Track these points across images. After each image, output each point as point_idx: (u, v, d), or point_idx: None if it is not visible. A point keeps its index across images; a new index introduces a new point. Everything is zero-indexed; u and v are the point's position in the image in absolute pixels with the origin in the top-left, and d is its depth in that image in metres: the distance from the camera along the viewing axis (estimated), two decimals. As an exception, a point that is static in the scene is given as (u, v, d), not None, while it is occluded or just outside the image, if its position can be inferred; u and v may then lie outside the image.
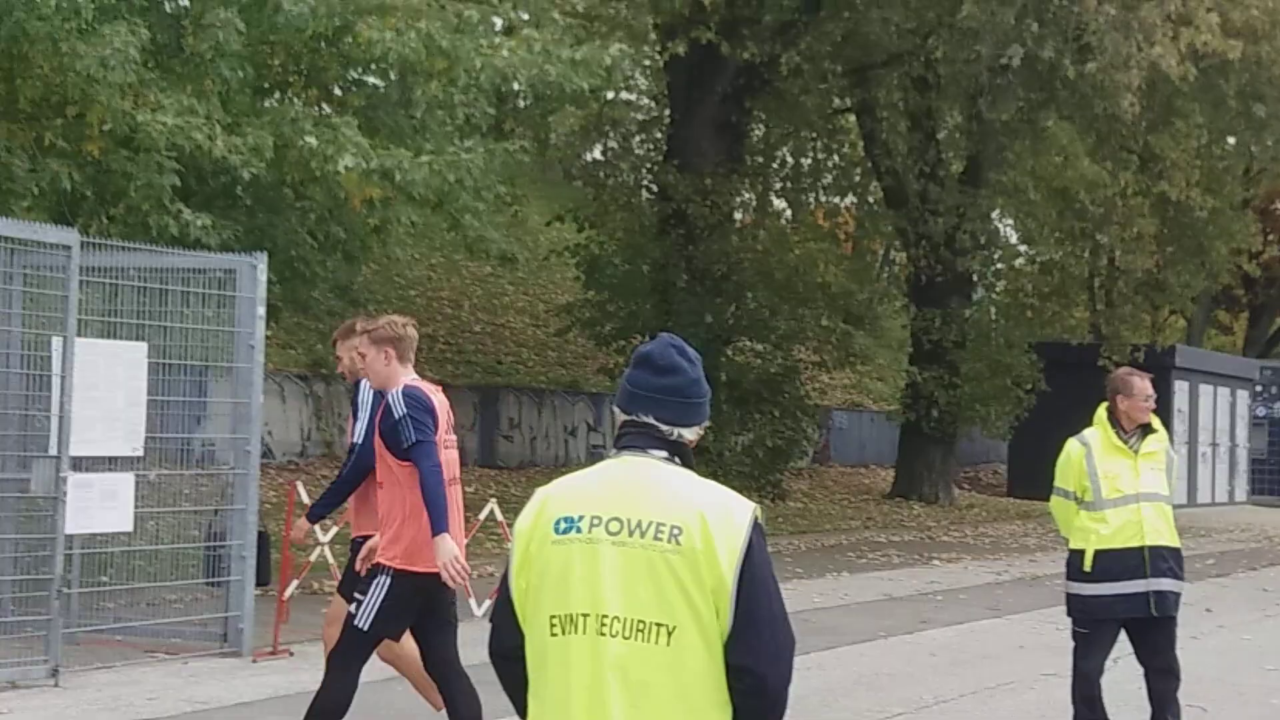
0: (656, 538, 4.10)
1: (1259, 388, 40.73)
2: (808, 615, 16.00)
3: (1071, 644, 9.93)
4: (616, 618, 4.10)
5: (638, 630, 4.09)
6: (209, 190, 15.53)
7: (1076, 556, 9.79)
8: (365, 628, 8.10)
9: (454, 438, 8.56)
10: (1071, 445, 10.03)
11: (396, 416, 8.21)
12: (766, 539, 4.21)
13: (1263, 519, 34.44)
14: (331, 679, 8.18)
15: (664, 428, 4.27)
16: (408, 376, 8.47)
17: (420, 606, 8.18)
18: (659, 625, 4.08)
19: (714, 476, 20.10)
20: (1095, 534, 9.70)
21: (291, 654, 12.72)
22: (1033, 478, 33.59)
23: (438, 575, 8.00)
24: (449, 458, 8.38)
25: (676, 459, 4.26)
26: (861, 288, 30.50)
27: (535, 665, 4.22)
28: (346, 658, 8.19)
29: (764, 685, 4.09)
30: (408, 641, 8.81)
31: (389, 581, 8.08)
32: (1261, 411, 40.85)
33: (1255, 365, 41.79)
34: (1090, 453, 9.85)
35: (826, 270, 29.03)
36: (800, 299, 28.47)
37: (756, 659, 4.08)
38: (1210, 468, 37.60)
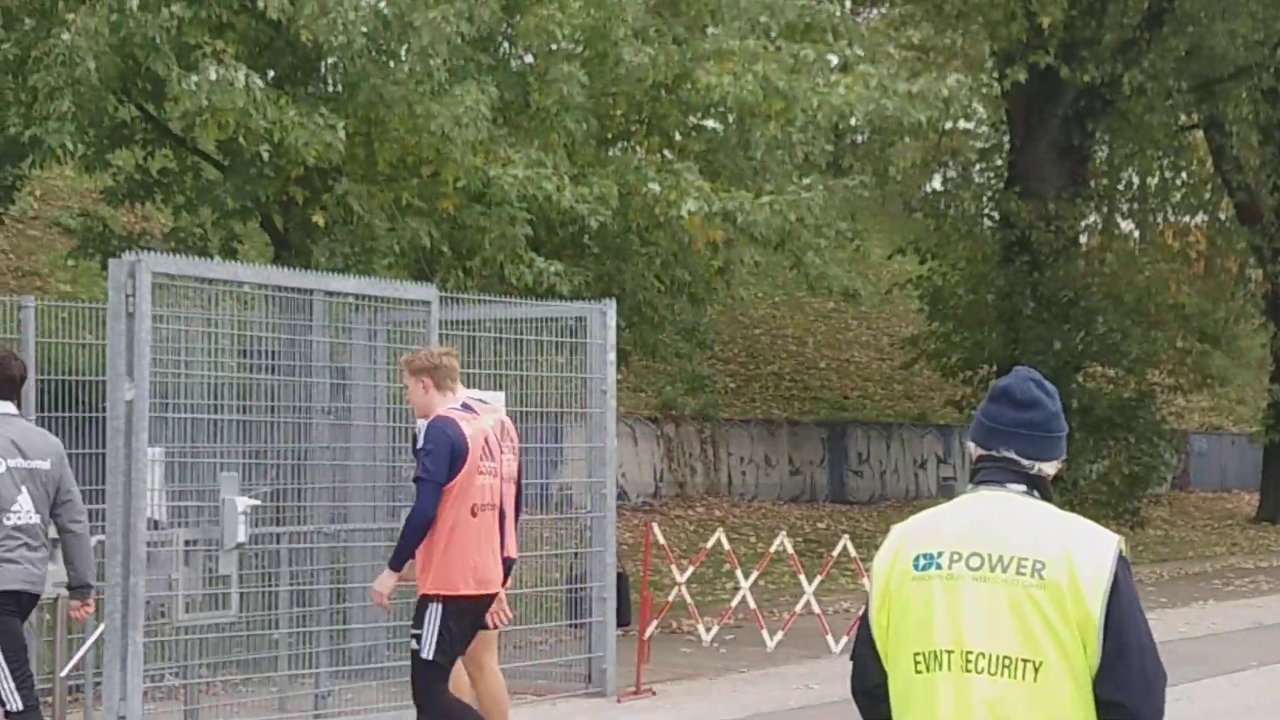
0: (1019, 572, 4.08)
1: None
2: (1174, 645, 15.59)
3: None
4: (981, 654, 4.07)
5: (1004, 666, 4.06)
6: (558, 240, 15.92)
7: None
8: (431, 658, 8.49)
9: (498, 463, 8.80)
10: None
11: (417, 448, 8.66)
12: (1131, 570, 4.16)
13: None
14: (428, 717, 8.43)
15: (1024, 462, 4.25)
16: (447, 404, 8.77)
17: (471, 627, 8.48)
18: (1025, 661, 4.05)
19: (1069, 505, 19.84)
20: None
21: (654, 693, 12.91)
22: None
23: (481, 597, 8.35)
24: (482, 484, 8.70)
25: (1035, 493, 4.24)
26: (1217, 307, 29.62)
27: (899, 703, 4.22)
28: (429, 693, 8.58)
29: (1133, 717, 4.04)
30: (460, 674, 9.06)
31: (440, 610, 8.43)
32: None
33: None
34: None
35: (1179, 291, 28.30)
36: (1152, 321, 27.79)
37: (1128, 693, 4.03)
38: None
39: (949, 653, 4.12)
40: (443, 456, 8.58)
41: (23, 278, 19.12)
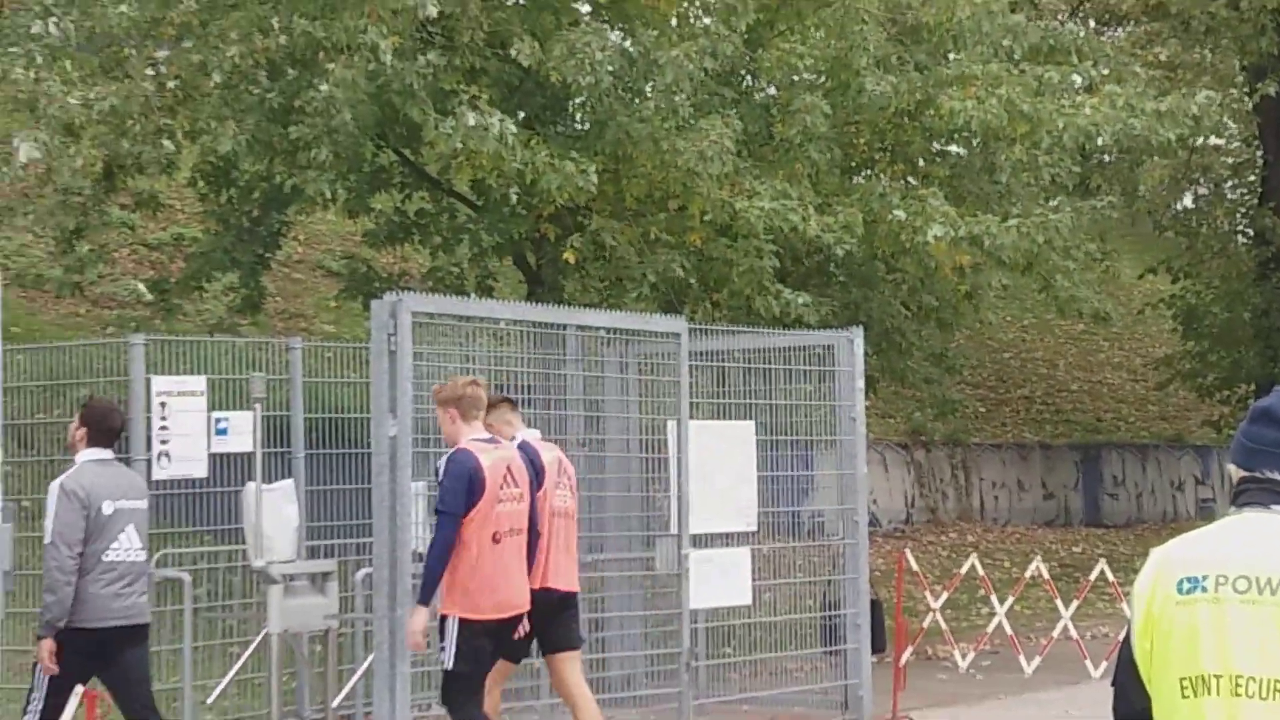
0: None
1: None
2: None
3: None
4: (1252, 678, 4.03)
5: (1275, 690, 4.02)
6: (804, 270, 16.03)
7: None
8: (451, 667, 8.98)
9: (523, 489, 9.04)
10: None
11: (438, 480, 9.01)
12: None
13: None
14: None
15: (1267, 477, 4.22)
16: (472, 434, 9.13)
17: (495, 647, 8.85)
18: None
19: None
20: None
21: (911, 719, 12.90)
22: None
23: (501, 621, 8.73)
24: (503, 511, 9.00)
25: (1301, 513, 4.20)
26: None
27: None
28: (456, 703, 9.02)
29: None
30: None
31: (456, 625, 8.95)
32: None
33: None
34: None
35: None
36: None
37: None
38: None
39: (1217, 677, 4.07)
40: (460, 489, 8.95)
41: (289, 319, 19.76)
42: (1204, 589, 4.12)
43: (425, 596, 9.08)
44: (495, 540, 9.04)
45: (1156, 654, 4.19)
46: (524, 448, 9.77)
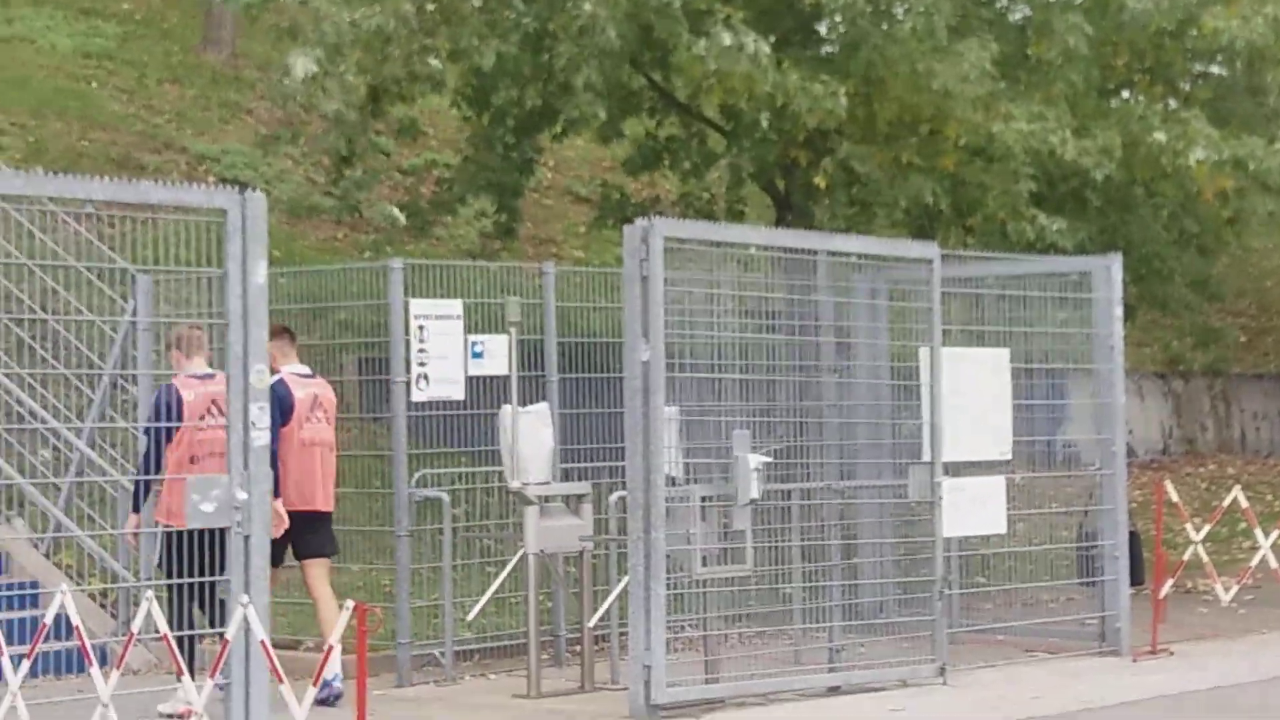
0: None
1: None
2: None
3: None
4: None
5: None
6: (1059, 194, 15.69)
7: None
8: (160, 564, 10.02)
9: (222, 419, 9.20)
10: None
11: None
12: None
13: None
14: None
15: None
16: (188, 371, 10.28)
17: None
18: None
19: None
20: None
21: (1171, 653, 12.66)
22: None
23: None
24: (203, 438, 9.98)
25: None
26: None
27: None
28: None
29: None
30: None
31: (162, 533, 9.93)
32: None
33: None
34: None
35: None
36: None
37: None
38: None
39: None
40: (160, 417, 9.99)
41: (539, 245, 19.93)
42: None
43: (135, 506, 10.46)
44: (192, 461, 9.98)
45: None
46: (279, 384, 10.45)
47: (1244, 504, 15.27)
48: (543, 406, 11.61)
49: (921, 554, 11.94)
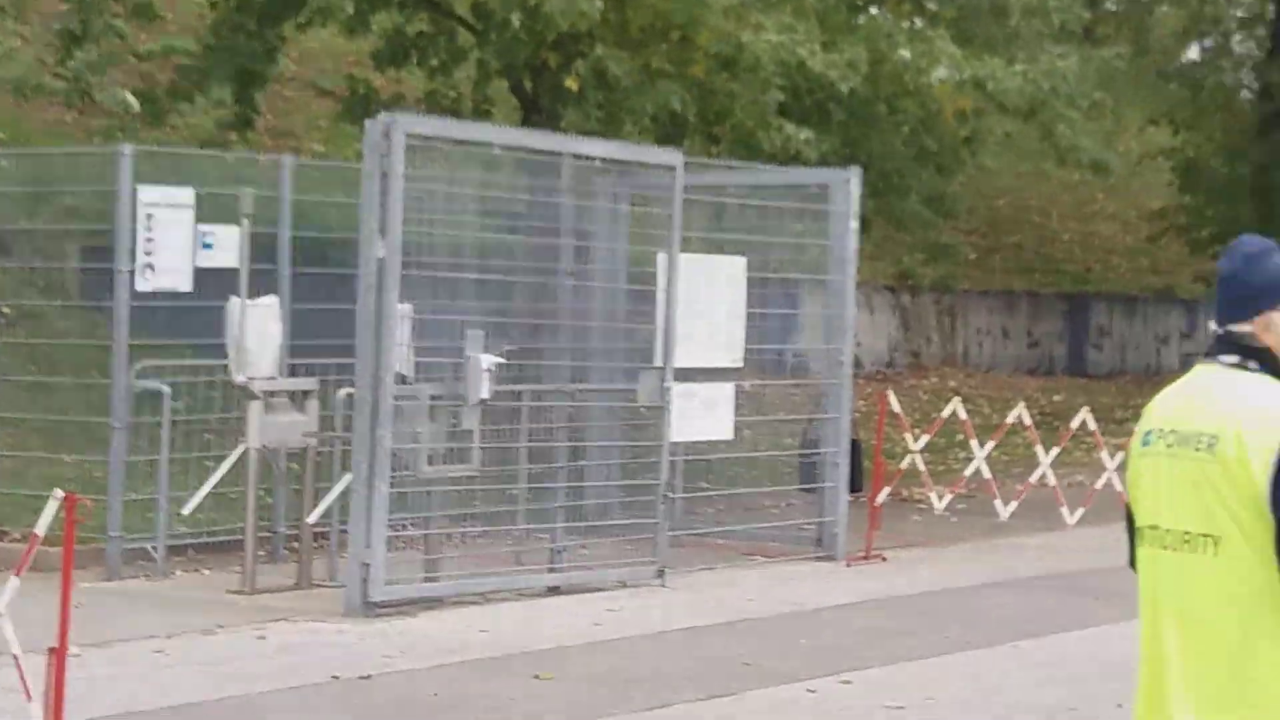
0: (1196, 448, 4.09)
1: None
2: None
3: None
4: (1169, 529, 4.13)
5: (1184, 541, 4.10)
6: (805, 107, 15.87)
7: None
8: None
9: None
10: None
11: None
12: None
13: None
14: None
15: (1223, 330, 4.25)
16: None
17: None
18: (1205, 536, 4.06)
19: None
20: None
21: (885, 559, 13.03)
22: None
23: None
24: None
25: (1251, 363, 4.20)
26: None
27: (1138, 575, 4.34)
28: None
29: None
30: None
31: None
32: None
33: None
34: None
35: None
36: None
37: None
38: None
39: (1152, 528, 4.21)
40: None
41: (279, 137, 19.59)
42: (1150, 443, 4.24)
43: None
44: None
45: (1131, 504, 4.35)
46: None
47: (963, 416, 15.78)
48: (272, 300, 11.47)
49: (648, 458, 12.10)
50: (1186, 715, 4.11)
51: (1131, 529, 4.40)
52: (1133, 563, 4.43)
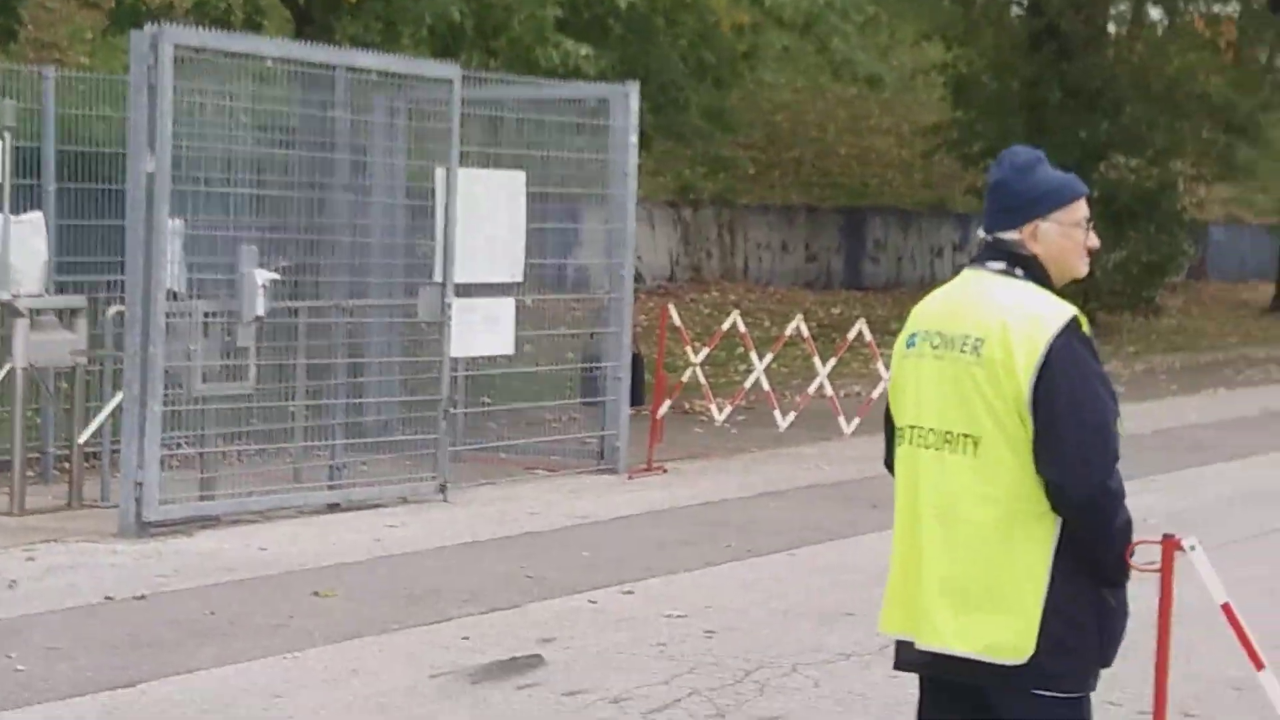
0: (962, 350, 4.17)
1: None
2: (1183, 432, 15.79)
3: None
4: (931, 429, 4.22)
5: (945, 440, 4.19)
6: (582, 22, 15.80)
7: None
8: None
9: None
10: None
11: None
12: (1090, 347, 4.14)
13: None
14: None
15: (991, 238, 4.33)
16: None
17: None
18: (965, 436, 4.15)
19: (1085, 294, 19.83)
20: None
21: (665, 471, 13.12)
22: None
23: None
24: None
25: (1018, 270, 4.28)
26: (1244, 97, 29.33)
27: (895, 474, 4.42)
28: None
29: (1068, 496, 4.07)
30: None
31: None
32: None
33: None
34: None
35: (1207, 81, 28.03)
36: (1179, 111, 27.57)
37: (1056, 470, 4.07)
38: None
39: (912, 428, 4.30)
40: None
41: (41, 49, 19.03)
42: (915, 345, 4.32)
43: None
44: None
45: (892, 405, 4.42)
46: None
47: (742, 329, 15.93)
48: (36, 216, 11.15)
49: (429, 374, 12.03)
50: (942, 613, 4.21)
51: (891, 430, 4.47)
52: (889, 464, 4.51)
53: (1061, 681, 4.15)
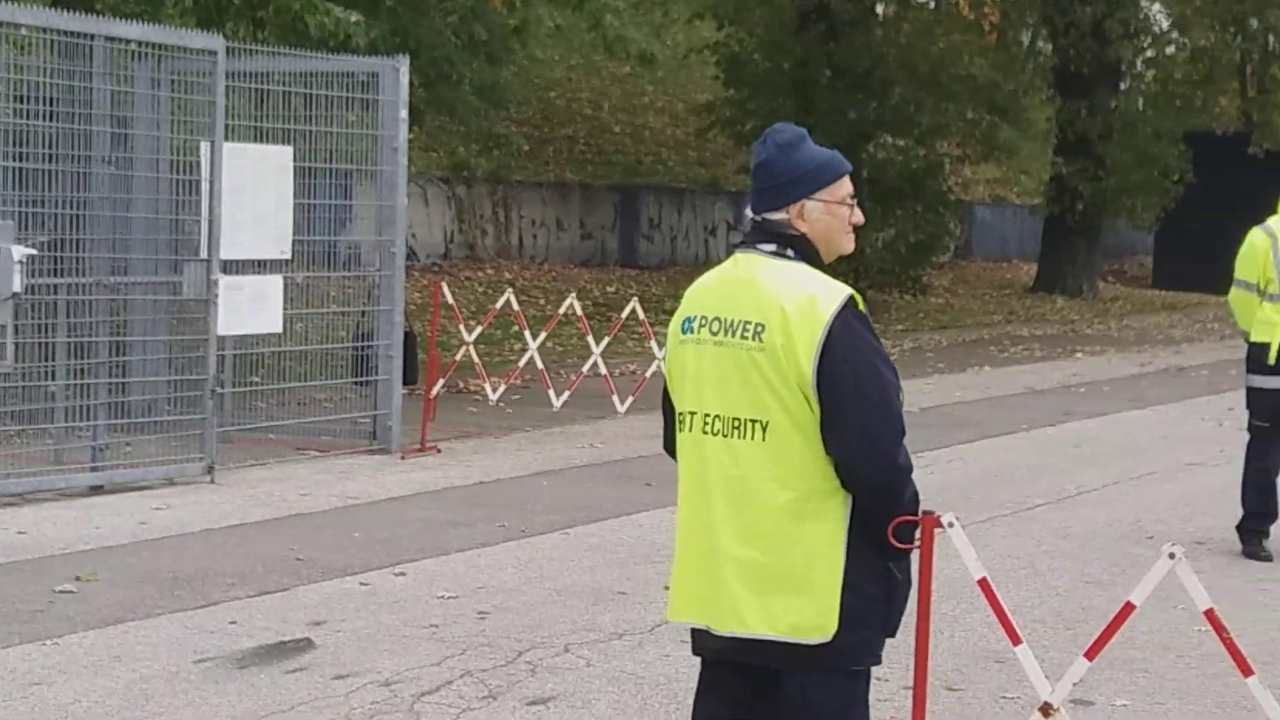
0: (744, 336, 4.18)
1: None
2: (949, 409, 16.07)
3: (1247, 436, 9.99)
4: (717, 415, 4.22)
5: (734, 427, 4.19)
6: (353, -9, 15.57)
7: (1260, 350, 9.66)
8: None
9: None
10: (1256, 235, 9.74)
11: None
12: (868, 325, 4.18)
13: None
14: None
15: (759, 218, 4.32)
16: None
17: None
18: (753, 421, 4.17)
19: (854, 273, 20.19)
20: (1280, 326, 9.55)
21: (439, 450, 13.02)
22: (1179, 269, 33.27)
23: None
24: None
25: (790, 251, 4.28)
26: (1007, 79, 29.97)
27: (678, 459, 4.39)
28: None
29: (857, 474, 4.13)
30: None
31: None
32: None
33: None
34: (1276, 243, 9.62)
35: (971, 63, 28.56)
36: (945, 93, 28.05)
37: (844, 448, 4.11)
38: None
39: (693, 414, 4.29)
40: None
41: None
42: (693, 330, 4.30)
43: None
44: None
45: (671, 389, 4.38)
46: None
47: (516, 307, 15.86)
48: None
49: (195, 352, 11.78)
50: (742, 597, 4.21)
51: (670, 413, 4.45)
52: (667, 447, 4.49)
53: (857, 656, 4.22)
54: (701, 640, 4.36)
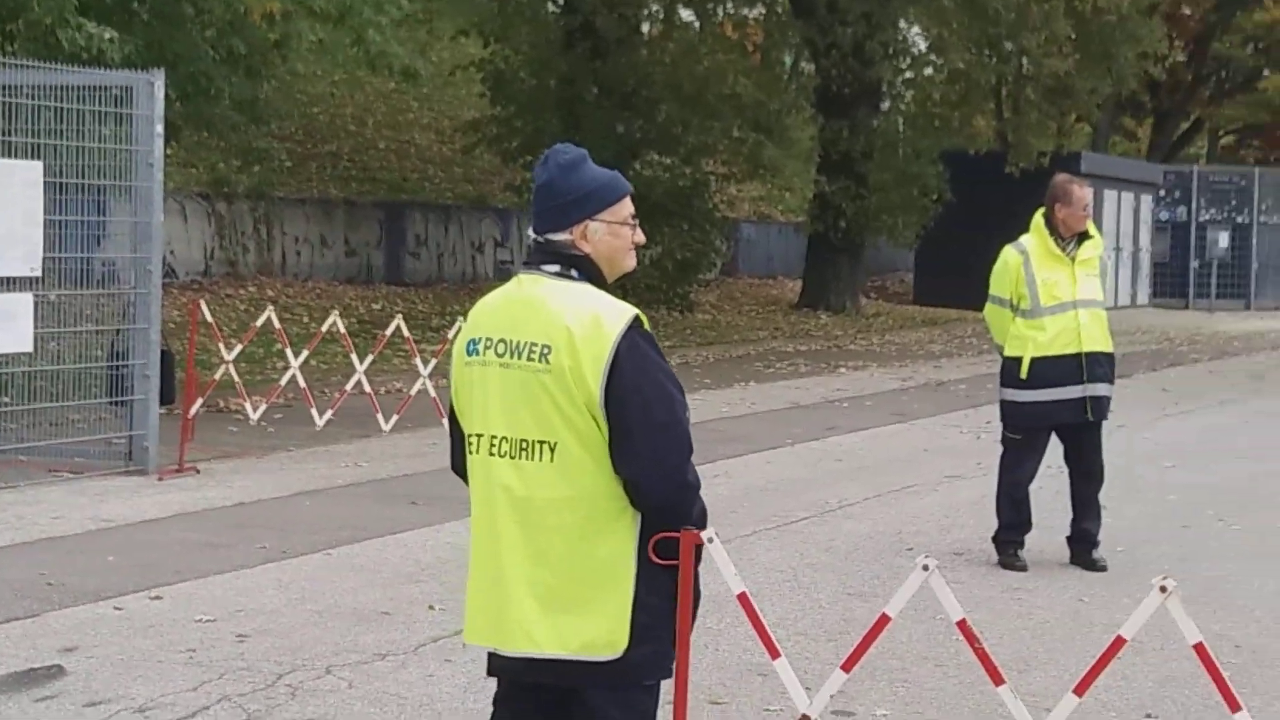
0: (530, 358, 4.17)
1: (1162, 192, 40.97)
2: (716, 425, 16.16)
3: (1000, 449, 10.16)
4: (505, 438, 4.20)
5: (521, 449, 4.18)
6: (106, 5, 15.24)
7: (1013, 364, 9.89)
8: None
9: None
10: (1009, 253, 10.00)
11: None
12: (654, 344, 4.20)
13: (1164, 321, 34.93)
14: None
15: (542, 239, 4.29)
16: None
17: None
18: (540, 443, 4.16)
19: (621, 289, 20.10)
20: (1033, 341, 9.80)
21: (198, 471, 12.74)
22: (938, 285, 33.99)
23: None
24: None
25: (574, 272, 4.26)
26: (771, 98, 30.37)
27: (469, 482, 4.37)
28: None
29: (647, 493, 4.15)
30: None
31: None
32: (1164, 215, 41.09)
33: (1159, 170, 41.98)
34: (1028, 260, 9.88)
35: (736, 82, 28.87)
36: (710, 111, 28.32)
37: (633, 467, 4.12)
38: (1114, 271, 37.96)
39: (479, 436, 4.27)
40: None
41: None
42: (478, 352, 4.29)
43: None
44: None
45: (458, 412, 4.39)
46: None
47: (277, 324, 15.63)
48: None
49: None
50: (532, 617, 4.19)
51: (457, 435, 4.40)
52: (456, 468, 4.45)
53: (650, 670, 4.25)
54: (495, 661, 4.36)
